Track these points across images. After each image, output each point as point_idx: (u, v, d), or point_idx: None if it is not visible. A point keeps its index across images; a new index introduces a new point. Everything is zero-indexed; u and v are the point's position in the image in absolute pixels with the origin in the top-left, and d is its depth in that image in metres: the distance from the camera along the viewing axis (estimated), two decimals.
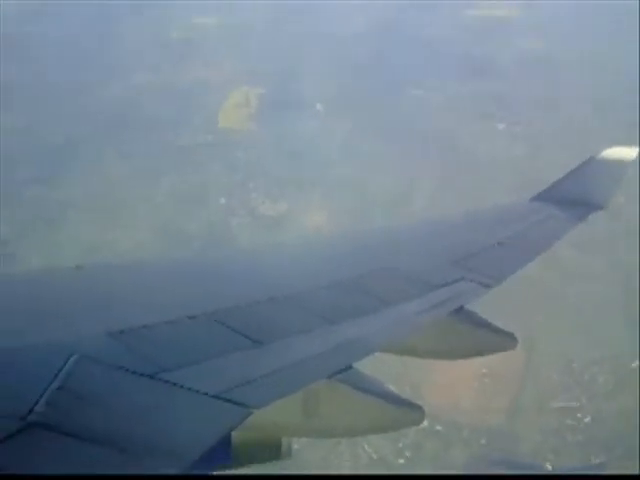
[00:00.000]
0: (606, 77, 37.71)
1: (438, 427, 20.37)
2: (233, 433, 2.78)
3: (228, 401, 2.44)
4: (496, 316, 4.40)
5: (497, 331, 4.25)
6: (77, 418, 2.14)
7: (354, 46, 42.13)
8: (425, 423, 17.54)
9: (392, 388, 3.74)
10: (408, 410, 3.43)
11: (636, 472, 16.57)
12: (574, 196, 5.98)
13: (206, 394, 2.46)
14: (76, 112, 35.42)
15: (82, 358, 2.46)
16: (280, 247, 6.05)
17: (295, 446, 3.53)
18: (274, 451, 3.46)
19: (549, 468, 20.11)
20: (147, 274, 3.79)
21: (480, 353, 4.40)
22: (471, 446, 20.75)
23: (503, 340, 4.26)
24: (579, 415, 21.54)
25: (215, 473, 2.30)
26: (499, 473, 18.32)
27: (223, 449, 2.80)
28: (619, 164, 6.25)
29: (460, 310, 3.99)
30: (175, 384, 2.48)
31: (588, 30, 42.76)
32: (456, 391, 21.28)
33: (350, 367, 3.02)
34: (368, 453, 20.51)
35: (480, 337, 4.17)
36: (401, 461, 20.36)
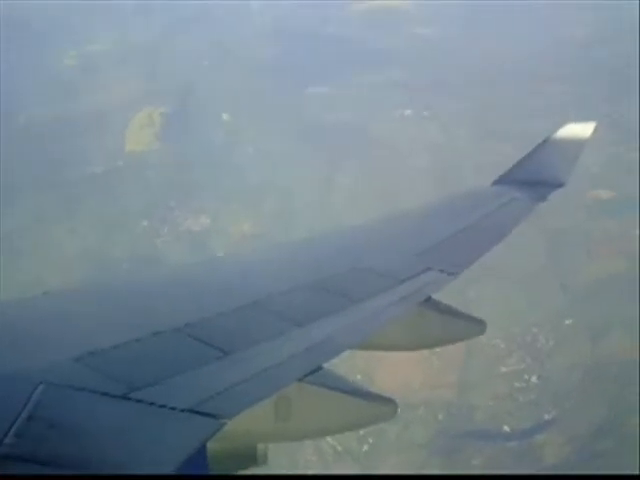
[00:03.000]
0: (500, 59, 39.09)
1: None
2: (208, 444, 2.74)
3: (200, 414, 2.44)
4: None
5: (465, 317, 4.28)
6: (49, 446, 2.12)
7: (251, 49, 42.24)
8: None
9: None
10: (381, 404, 3.44)
11: (636, 472, 16.61)
12: (534, 176, 6.00)
13: (177, 409, 2.45)
14: None
15: (50, 385, 2.42)
16: (239, 256, 6.04)
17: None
18: (250, 458, 3.47)
19: (507, 430, 20.78)
20: (109, 296, 3.71)
21: (450, 341, 4.40)
22: (429, 423, 21.24)
23: (472, 326, 4.30)
24: (526, 376, 22.30)
25: (215, 473, 2.28)
26: (499, 473, 18.67)
27: (199, 461, 2.76)
28: (576, 141, 6.29)
29: (428, 301, 3.99)
30: (145, 402, 2.46)
31: (475, 16, 44.18)
32: (403, 371, 21.62)
33: (320, 368, 3.03)
34: (332, 446, 20.73)
35: (449, 325, 4.20)
36: (365, 448, 20.65)
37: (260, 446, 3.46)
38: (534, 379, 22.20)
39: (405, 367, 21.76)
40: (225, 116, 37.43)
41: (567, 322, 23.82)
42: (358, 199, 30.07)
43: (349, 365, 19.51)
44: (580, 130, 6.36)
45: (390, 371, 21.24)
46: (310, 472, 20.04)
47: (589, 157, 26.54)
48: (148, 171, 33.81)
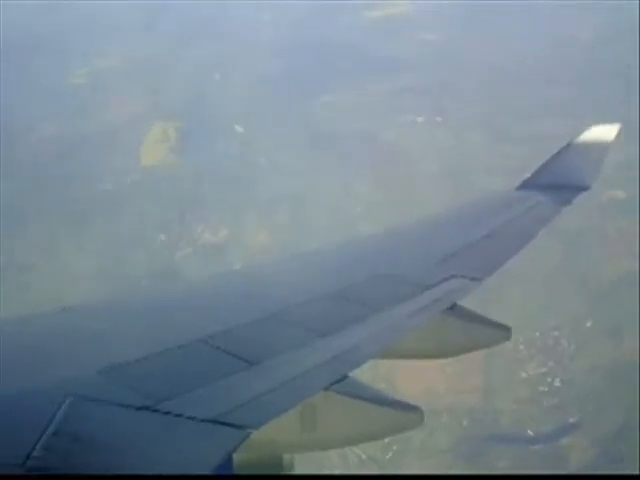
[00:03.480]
0: (506, 63, 39.18)
1: None
2: (234, 455, 2.77)
3: (225, 425, 2.44)
4: None
5: (491, 324, 4.25)
6: (76, 459, 2.15)
7: (260, 61, 42.42)
8: None
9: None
10: (407, 412, 3.41)
11: (636, 472, 16.76)
12: (559, 180, 5.97)
13: (203, 420, 2.46)
14: None
15: (76, 399, 2.45)
16: (260, 267, 5.88)
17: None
18: (276, 468, 3.50)
19: (531, 434, 20.83)
20: (131, 309, 3.77)
21: (475, 347, 4.36)
22: (454, 429, 21.31)
23: (497, 332, 4.28)
24: (549, 380, 22.35)
25: (215, 473, 2.29)
26: (499, 473, 18.71)
27: (225, 472, 2.81)
28: (601, 143, 6.22)
29: (453, 307, 3.98)
30: (171, 413, 2.48)
31: (478, 20, 44.29)
32: (425, 377, 21.70)
33: (345, 377, 3.03)
34: (357, 454, 20.84)
35: (474, 332, 4.17)
36: (389, 455, 20.77)
37: (286, 456, 3.51)
38: (557, 383, 22.25)
39: (427, 373, 21.83)
40: (238, 128, 37.66)
41: (587, 324, 23.85)
42: (374, 207, 30.21)
43: (371, 373, 19.64)
44: (604, 132, 6.32)
45: (412, 378, 21.31)
46: None
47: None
48: (165, 184, 34.07)
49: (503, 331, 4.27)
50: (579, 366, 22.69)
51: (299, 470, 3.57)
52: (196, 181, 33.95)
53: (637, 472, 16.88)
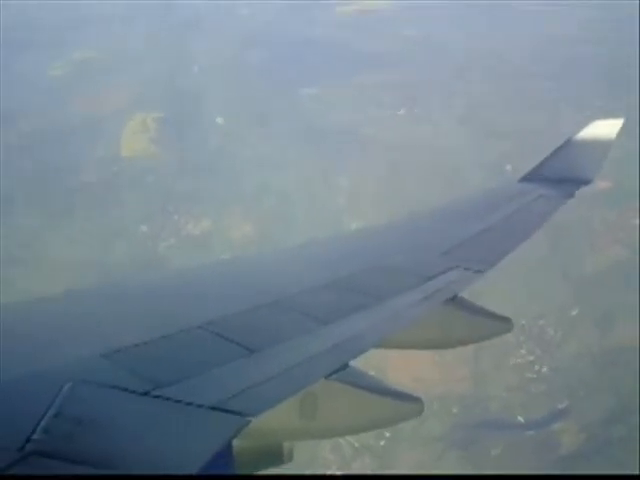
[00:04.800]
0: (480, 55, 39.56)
1: None
2: (234, 442, 2.73)
3: (225, 411, 2.44)
4: None
5: (492, 316, 4.26)
6: (76, 443, 2.14)
7: (240, 54, 42.39)
8: None
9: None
10: (407, 402, 3.43)
11: (636, 472, 16.78)
12: (561, 173, 5.97)
13: (203, 406, 2.46)
14: None
15: (77, 382, 2.45)
16: (262, 255, 6.01)
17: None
18: (276, 456, 3.49)
19: (522, 421, 21.05)
20: (134, 293, 3.77)
21: (477, 339, 4.38)
22: (444, 416, 21.42)
23: (498, 324, 4.29)
24: (537, 367, 22.60)
25: (215, 473, 2.30)
26: (499, 473, 18.84)
27: (224, 459, 2.72)
28: (604, 137, 6.19)
29: (454, 299, 3.97)
30: (171, 399, 2.47)
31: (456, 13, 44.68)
32: (415, 366, 21.74)
33: (346, 366, 3.01)
34: (350, 443, 20.87)
35: (476, 323, 4.19)
36: (383, 443, 20.83)
37: (286, 444, 3.49)
38: (545, 370, 22.49)
39: (416, 362, 21.91)
40: (219, 120, 37.51)
41: (573, 313, 24.16)
42: (357, 199, 30.32)
43: (361, 362, 19.67)
44: (607, 127, 6.30)
45: (402, 366, 21.37)
46: (330, 471, 20.20)
47: None
48: (146, 176, 33.81)
49: (504, 323, 4.30)
50: (566, 353, 22.96)
51: (295, 460, 3.43)
52: (178, 172, 33.76)
53: (637, 472, 16.95)
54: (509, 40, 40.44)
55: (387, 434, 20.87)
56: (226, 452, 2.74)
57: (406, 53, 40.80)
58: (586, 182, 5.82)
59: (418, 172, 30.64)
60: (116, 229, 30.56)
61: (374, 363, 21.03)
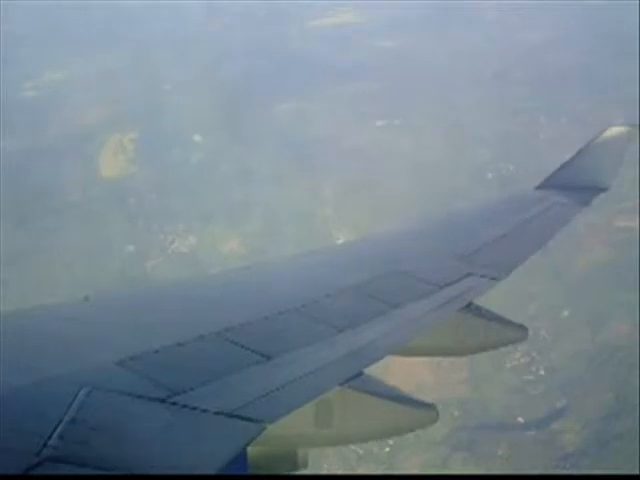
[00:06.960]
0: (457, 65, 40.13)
1: None
2: (249, 448, 2.76)
3: (241, 418, 2.46)
4: None
5: (507, 323, 4.30)
6: (91, 449, 2.16)
7: (214, 70, 42.33)
8: None
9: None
10: (422, 410, 3.44)
11: (636, 472, 16.91)
12: (578, 181, 5.95)
13: (219, 413, 2.48)
14: None
15: (93, 389, 2.47)
16: (277, 264, 5.83)
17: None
18: (290, 463, 3.48)
19: (522, 421, 21.29)
20: (151, 302, 3.77)
21: (491, 346, 4.40)
22: (446, 419, 21.54)
23: (514, 332, 4.34)
24: (533, 369, 22.90)
25: (216, 473, 2.25)
26: (499, 473, 19.00)
27: (239, 465, 2.80)
28: (619, 144, 6.21)
29: (469, 306, 4.00)
30: (187, 406, 2.49)
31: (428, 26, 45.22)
32: (413, 370, 21.82)
33: (361, 373, 3.03)
34: (354, 450, 20.92)
35: (492, 331, 4.23)
36: (387, 449, 20.91)
37: (301, 451, 3.49)
38: (541, 371, 22.80)
39: (415, 367, 22.05)
40: (197, 137, 37.46)
41: (564, 313, 24.54)
42: (340, 211, 30.50)
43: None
44: (622, 133, 6.30)
45: (402, 371, 21.48)
46: None
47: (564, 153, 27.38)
48: (128, 196, 33.60)
49: (520, 331, 4.37)
50: (560, 354, 23.30)
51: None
52: (159, 191, 33.59)
53: (637, 472, 17.09)
54: (485, 49, 41.02)
55: (390, 441, 20.95)
56: (241, 457, 2.85)
57: (381, 64, 41.15)
58: (603, 189, 5.86)
59: (400, 182, 30.91)
60: (103, 249, 30.31)
61: (373, 368, 21.25)
